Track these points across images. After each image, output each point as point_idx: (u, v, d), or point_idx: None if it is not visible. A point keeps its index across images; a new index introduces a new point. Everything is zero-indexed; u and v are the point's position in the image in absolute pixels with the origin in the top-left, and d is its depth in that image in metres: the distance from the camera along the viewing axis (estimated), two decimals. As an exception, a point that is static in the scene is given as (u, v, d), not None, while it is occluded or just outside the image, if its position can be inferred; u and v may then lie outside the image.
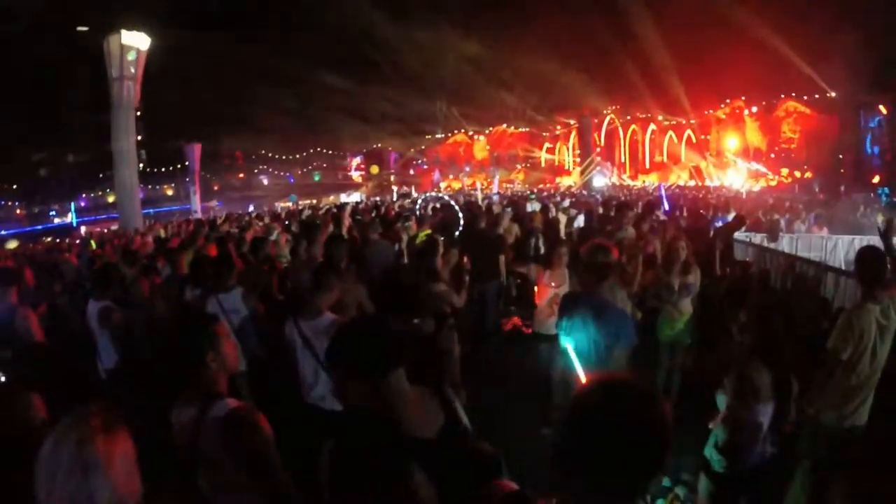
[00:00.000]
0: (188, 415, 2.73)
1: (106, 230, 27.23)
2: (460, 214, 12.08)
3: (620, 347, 4.18)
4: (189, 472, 2.67)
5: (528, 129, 65.63)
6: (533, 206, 17.22)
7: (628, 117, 58.23)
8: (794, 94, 45.73)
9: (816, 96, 43.49)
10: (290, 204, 42.74)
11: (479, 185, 47.71)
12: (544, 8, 51.11)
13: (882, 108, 38.29)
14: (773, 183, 42.65)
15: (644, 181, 51.75)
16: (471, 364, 7.33)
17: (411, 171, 68.58)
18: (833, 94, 41.71)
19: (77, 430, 1.96)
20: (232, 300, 5.75)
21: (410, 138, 66.45)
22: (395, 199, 33.26)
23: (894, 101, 36.48)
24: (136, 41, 26.28)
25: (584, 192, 33.94)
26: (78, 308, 7.78)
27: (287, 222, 15.90)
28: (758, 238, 11.69)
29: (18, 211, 60.23)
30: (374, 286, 6.40)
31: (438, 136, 69.20)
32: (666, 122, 55.12)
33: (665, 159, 55.55)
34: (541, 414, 5.97)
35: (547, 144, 65.30)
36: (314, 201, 43.17)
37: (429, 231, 10.25)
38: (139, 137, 31.29)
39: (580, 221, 13.55)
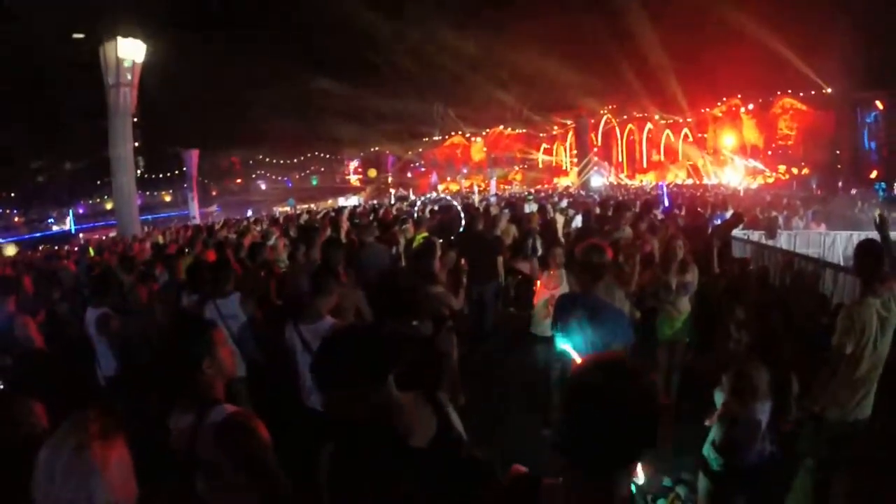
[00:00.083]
0: (186, 421, 2.73)
1: (104, 237, 27.20)
2: (462, 215, 12.06)
3: (617, 346, 4.18)
4: (187, 477, 2.67)
5: (525, 130, 65.75)
6: (530, 207, 17.21)
7: (625, 117, 58.36)
8: (790, 91, 45.91)
9: (813, 93, 43.64)
10: (288, 208, 42.70)
11: (476, 188, 47.78)
12: (540, 9, 51.26)
13: (878, 104, 38.41)
14: (771, 180, 42.77)
15: (642, 180, 51.88)
16: (470, 366, 7.36)
17: (409, 174, 68.67)
18: (829, 91, 41.84)
19: (75, 435, 1.99)
20: (230, 305, 5.74)
21: (408, 141, 66.66)
22: (392, 202, 33.25)
23: (891, 96, 36.58)
24: (132, 48, 26.27)
25: (582, 193, 33.94)
26: (77, 315, 7.78)
27: (285, 227, 15.90)
28: (756, 235, 11.67)
29: (17, 218, 60.20)
30: (369, 289, 6.40)
31: (436, 138, 69.29)
32: (663, 121, 55.22)
33: (662, 158, 55.62)
34: (540, 415, 5.98)
35: (544, 145, 65.42)
36: (312, 206, 43.12)
37: (426, 234, 10.24)
38: (137, 144, 31.33)
39: (578, 222, 13.53)
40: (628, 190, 36.87)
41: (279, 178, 71.99)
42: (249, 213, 41.78)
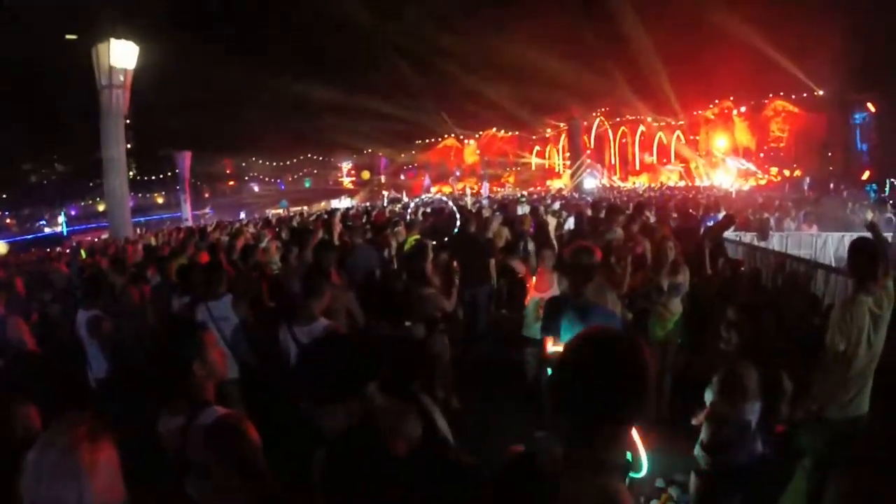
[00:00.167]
0: (176, 423, 2.73)
1: (96, 239, 27.08)
2: (458, 216, 12.07)
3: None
4: (177, 479, 2.67)
5: (517, 133, 65.80)
6: (523, 209, 17.23)
7: (618, 119, 58.44)
8: (782, 94, 46.05)
9: (804, 95, 43.79)
10: (280, 210, 42.64)
11: (468, 190, 47.78)
12: (533, 12, 51.27)
13: (870, 106, 38.56)
14: (763, 182, 42.82)
15: (634, 183, 51.93)
16: (463, 368, 7.36)
17: (402, 177, 68.66)
18: (821, 93, 42.01)
19: (63, 436, 1.99)
20: (221, 307, 5.73)
21: (401, 143, 66.64)
22: (385, 204, 33.25)
23: (882, 97, 36.72)
24: (125, 50, 26.20)
25: (575, 195, 33.97)
26: (68, 317, 7.75)
27: (277, 229, 15.87)
28: (748, 237, 11.72)
29: (8, 220, 59.95)
30: (357, 290, 6.41)
31: (429, 140, 69.32)
32: (655, 124, 55.31)
33: (655, 160, 55.72)
34: (533, 417, 5.97)
35: (537, 148, 65.48)
36: (305, 208, 43.07)
37: (418, 236, 10.25)
38: (129, 146, 31.19)
39: (570, 224, 13.56)
40: (621, 192, 36.92)
41: (272, 180, 71.90)
42: (242, 215, 41.75)
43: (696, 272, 7.30)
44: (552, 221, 13.72)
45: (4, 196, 60.58)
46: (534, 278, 7.38)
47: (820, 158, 40.31)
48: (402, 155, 70.17)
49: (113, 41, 25.84)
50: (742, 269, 8.48)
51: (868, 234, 5.10)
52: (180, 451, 2.67)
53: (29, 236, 47.60)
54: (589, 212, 13.99)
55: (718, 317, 4.35)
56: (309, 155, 70.92)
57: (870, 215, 13.70)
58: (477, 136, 68.27)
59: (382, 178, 67.42)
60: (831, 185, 30.48)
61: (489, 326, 9.64)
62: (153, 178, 63.79)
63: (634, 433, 3.25)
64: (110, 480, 2.02)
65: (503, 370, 7.74)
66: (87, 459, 1.95)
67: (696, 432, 4.15)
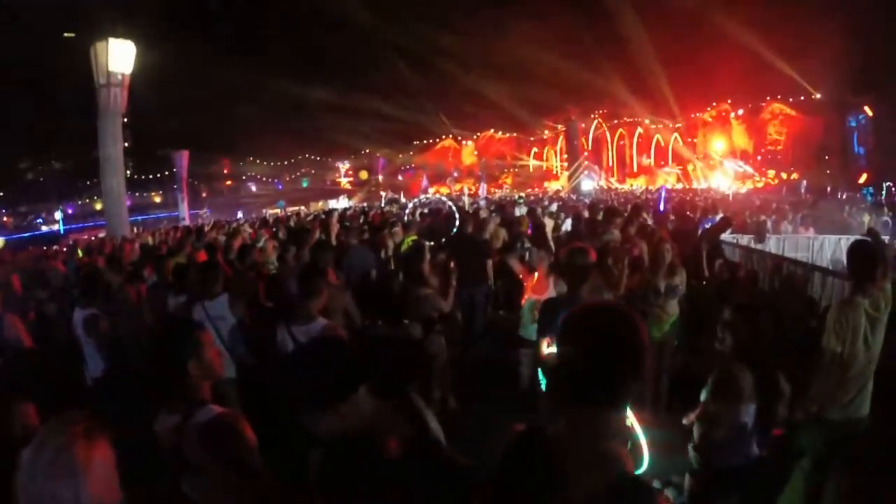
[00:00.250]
0: (172, 422, 2.73)
1: (93, 237, 27.01)
2: (457, 217, 12.06)
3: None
4: (173, 478, 2.67)
5: (515, 134, 65.80)
6: (520, 211, 17.24)
7: (615, 121, 58.44)
8: (779, 97, 46.12)
9: (802, 98, 43.86)
10: (278, 210, 42.59)
11: (465, 191, 47.77)
12: (530, 12, 51.24)
13: (867, 109, 38.60)
14: (760, 185, 42.86)
15: (632, 184, 51.97)
16: (460, 368, 7.36)
17: (400, 177, 68.61)
18: (818, 96, 42.08)
19: (58, 435, 1.99)
20: (218, 307, 5.72)
21: (399, 144, 66.59)
22: (383, 204, 33.22)
23: (879, 101, 36.75)
24: (123, 49, 26.13)
25: (573, 197, 33.99)
26: (64, 316, 7.73)
27: (274, 229, 15.87)
28: (745, 239, 11.73)
29: (5, 218, 59.81)
30: (353, 290, 6.41)
31: (427, 141, 69.30)
32: (653, 126, 55.32)
33: (652, 163, 55.74)
34: (530, 416, 5.97)
35: (535, 149, 65.46)
36: (301, 208, 43.02)
37: (415, 237, 10.25)
38: (126, 144, 31.13)
39: (568, 226, 13.57)
40: (618, 194, 36.93)
41: (270, 179, 71.81)
42: (240, 214, 41.68)
43: (694, 274, 7.31)
44: (549, 223, 13.72)
45: (1, 194, 60.39)
46: (534, 276, 7.37)
47: (817, 161, 40.31)
48: (400, 155, 70.10)
49: (111, 40, 25.76)
50: (739, 271, 8.49)
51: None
52: (176, 450, 2.67)
53: (26, 234, 47.43)
54: (586, 213, 13.99)
55: (715, 318, 4.36)
56: (307, 155, 70.84)
57: (867, 218, 13.74)
58: (475, 137, 68.27)
59: (380, 179, 67.35)
60: (828, 188, 30.52)
61: (486, 327, 9.64)
62: (150, 177, 63.81)
63: (637, 427, 3.25)
64: (106, 479, 2.02)
65: (500, 370, 7.74)
66: (82, 458, 1.95)
67: (692, 433, 4.15)
